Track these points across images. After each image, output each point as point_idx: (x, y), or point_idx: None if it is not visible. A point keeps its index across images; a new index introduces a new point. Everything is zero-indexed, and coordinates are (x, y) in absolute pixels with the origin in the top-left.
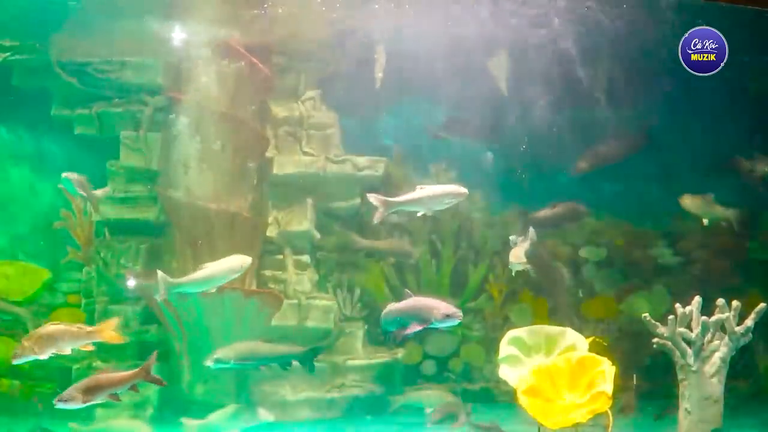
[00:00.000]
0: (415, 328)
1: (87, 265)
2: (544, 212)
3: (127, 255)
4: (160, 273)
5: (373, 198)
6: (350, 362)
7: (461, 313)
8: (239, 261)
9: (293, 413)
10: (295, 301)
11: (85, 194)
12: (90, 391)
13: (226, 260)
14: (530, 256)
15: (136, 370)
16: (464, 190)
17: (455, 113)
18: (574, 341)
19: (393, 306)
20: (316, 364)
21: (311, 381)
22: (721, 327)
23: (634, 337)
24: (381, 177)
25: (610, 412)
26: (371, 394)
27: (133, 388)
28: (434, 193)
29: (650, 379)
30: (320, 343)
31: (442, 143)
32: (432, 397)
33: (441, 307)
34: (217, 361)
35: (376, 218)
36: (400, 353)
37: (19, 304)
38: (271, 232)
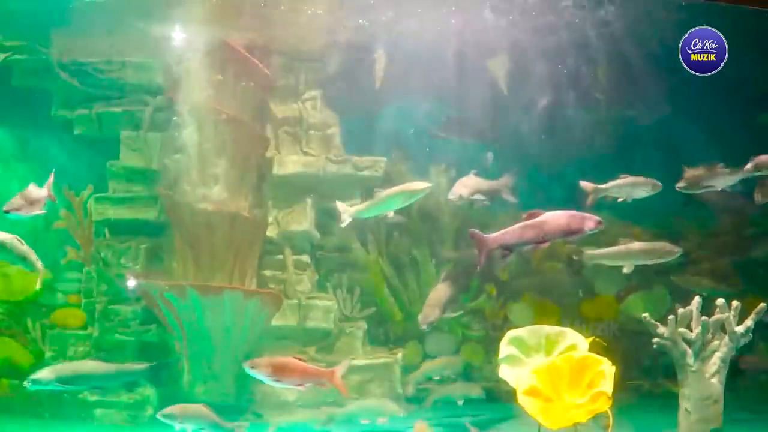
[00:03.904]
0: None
1: (87, 265)
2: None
3: (127, 255)
4: (338, 202)
5: (583, 184)
6: (350, 362)
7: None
8: (417, 185)
9: (294, 413)
10: (295, 301)
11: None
12: None
13: (404, 185)
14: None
15: None
16: (660, 183)
17: (455, 113)
18: (574, 341)
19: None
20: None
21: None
22: (721, 327)
23: (634, 337)
24: (381, 177)
25: (610, 412)
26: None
27: None
28: (636, 181)
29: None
30: (163, 360)
31: (442, 143)
32: (459, 390)
33: (588, 216)
34: (34, 381)
35: (589, 202)
36: (399, 353)
37: (19, 304)
38: (271, 232)
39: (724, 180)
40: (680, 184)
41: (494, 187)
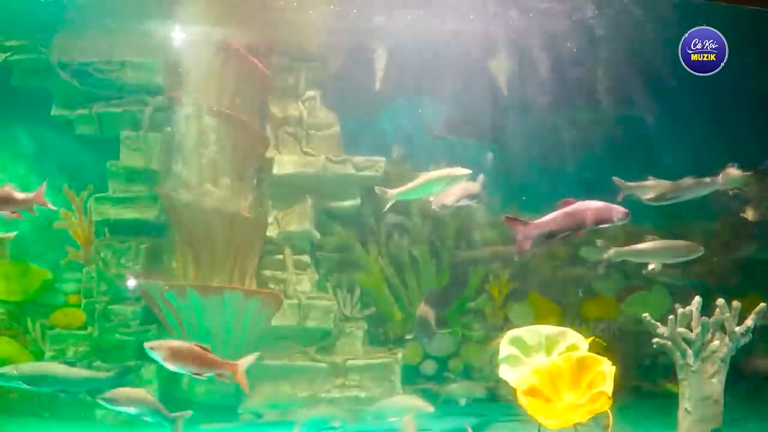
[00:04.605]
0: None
1: (87, 265)
2: None
3: (127, 255)
4: (378, 188)
5: (616, 180)
6: (350, 362)
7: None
8: (459, 170)
9: (294, 413)
10: (295, 301)
11: None
12: None
13: (445, 169)
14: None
15: None
16: None
17: (455, 113)
18: (574, 341)
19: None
20: (316, 364)
21: (312, 381)
22: (721, 327)
23: (634, 337)
24: (381, 177)
25: (610, 412)
26: None
27: None
28: (663, 184)
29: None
30: (123, 368)
31: (442, 143)
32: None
33: (617, 207)
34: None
35: (618, 198)
36: (399, 353)
37: (19, 304)
38: (271, 232)
39: (691, 192)
40: (647, 197)
41: (476, 189)
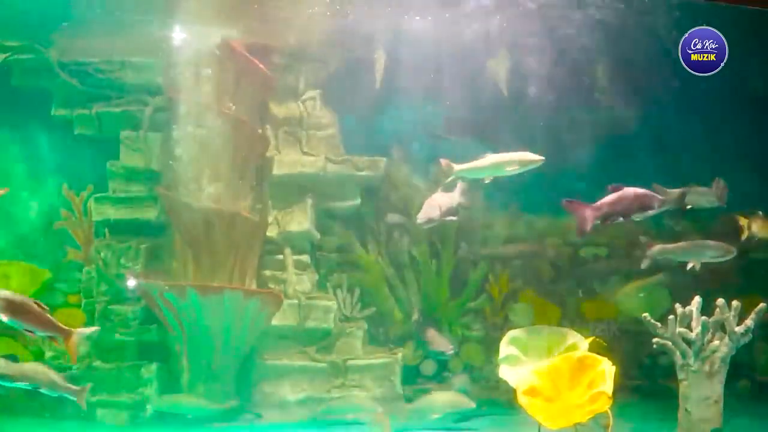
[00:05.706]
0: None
1: (87, 265)
2: None
3: (127, 255)
4: (443, 160)
5: (655, 187)
6: (350, 362)
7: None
8: (530, 155)
9: (294, 413)
10: (295, 301)
11: None
12: None
13: (517, 153)
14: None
15: None
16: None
17: (455, 113)
18: (574, 341)
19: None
20: (316, 364)
21: (312, 381)
22: (721, 327)
23: (634, 337)
24: (381, 177)
25: (610, 412)
26: None
27: None
28: (701, 190)
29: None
30: None
31: (442, 143)
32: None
33: (656, 195)
34: None
35: None
36: (399, 353)
37: None
38: (271, 232)
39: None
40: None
41: (460, 199)
